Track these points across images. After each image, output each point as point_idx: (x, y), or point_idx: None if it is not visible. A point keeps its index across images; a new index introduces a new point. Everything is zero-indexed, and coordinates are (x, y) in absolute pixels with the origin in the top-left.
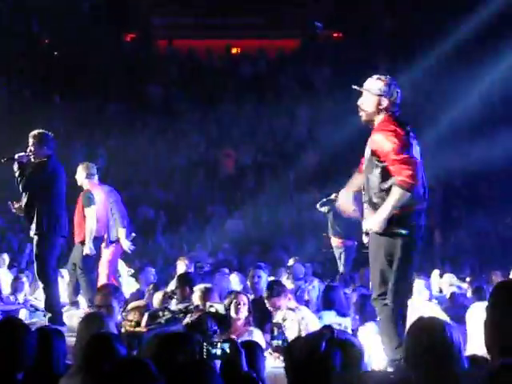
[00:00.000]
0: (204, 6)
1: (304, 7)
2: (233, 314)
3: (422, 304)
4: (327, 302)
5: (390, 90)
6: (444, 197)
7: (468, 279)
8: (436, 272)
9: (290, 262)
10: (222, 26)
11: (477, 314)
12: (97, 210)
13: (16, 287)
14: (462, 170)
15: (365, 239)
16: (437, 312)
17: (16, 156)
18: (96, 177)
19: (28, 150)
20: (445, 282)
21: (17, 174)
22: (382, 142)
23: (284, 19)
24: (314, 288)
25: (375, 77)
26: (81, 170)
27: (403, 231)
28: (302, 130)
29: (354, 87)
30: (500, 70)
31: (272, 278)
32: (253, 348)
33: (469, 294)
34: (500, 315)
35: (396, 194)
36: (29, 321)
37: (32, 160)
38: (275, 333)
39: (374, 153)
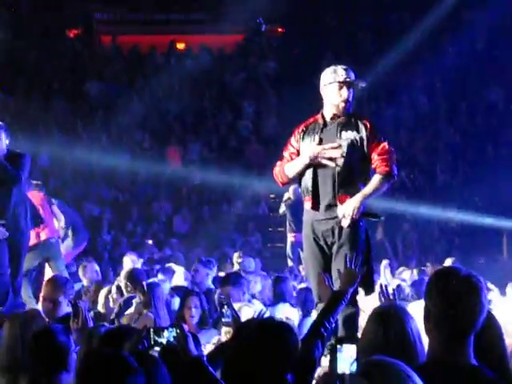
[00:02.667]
0: (148, 1)
1: (246, 3)
2: (186, 316)
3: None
4: (278, 293)
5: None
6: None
7: (415, 271)
8: (384, 262)
9: (235, 256)
10: (166, 22)
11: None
12: None
13: None
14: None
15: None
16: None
17: None
18: None
19: None
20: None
21: None
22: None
23: (227, 15)
24: (257, 283)
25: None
26: None
27: None
28: (247, 124)
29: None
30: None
31: (221, 274)
32: None
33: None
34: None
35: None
36: None
37: None
38: (224, 310)
39: None
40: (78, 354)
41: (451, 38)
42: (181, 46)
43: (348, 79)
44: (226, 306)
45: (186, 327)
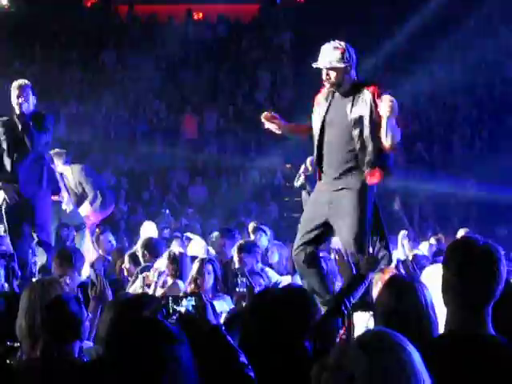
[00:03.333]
0: None
1: None
2: (200, 278)
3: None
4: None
5: (351, 56)
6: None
7: (431, 241)
8: (402, 233)
9: (250, 226)
10: None
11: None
12: None
13: None
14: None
15: None
16: None
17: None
18: None
19: (15, 105)
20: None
21: (4, 137)
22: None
23: None
24: (274, 253)
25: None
26: None
27: None
28: (263, 94)
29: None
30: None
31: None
32: None
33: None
34: (452, 274)
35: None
36: None
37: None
38: (238, 280)
39: None
40: (92, 322)
41: (469, 12)
42: (197, 15)
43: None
44: (240, 276)
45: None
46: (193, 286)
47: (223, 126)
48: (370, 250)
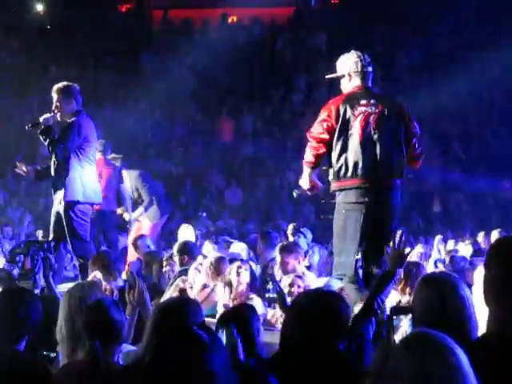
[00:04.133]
0: None
1: None
2: (234, 279)
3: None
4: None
5: (347, 64)
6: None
7: (468, 242)
8: (438, 238)
9: (289, 228)
10: None
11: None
12: None
13: None
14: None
15: None
16: None
17: (41, 119)
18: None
19: (53, 108)
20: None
21: (44, 141)
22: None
23: None
24: (314, 253)
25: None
26: None
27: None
28: (299, 96)
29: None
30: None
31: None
32: (246, 312)
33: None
34: (495, 272)
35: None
36: None
37: (58, 119)
38: (269, 286)
39: None
40: (129, 325)
41: (506, 12)
42: (232, 18)
43: None
44: (270, 282)
45: (232, 294)
46: (227, 288)
47: (259, 128)
48: (391, 244)
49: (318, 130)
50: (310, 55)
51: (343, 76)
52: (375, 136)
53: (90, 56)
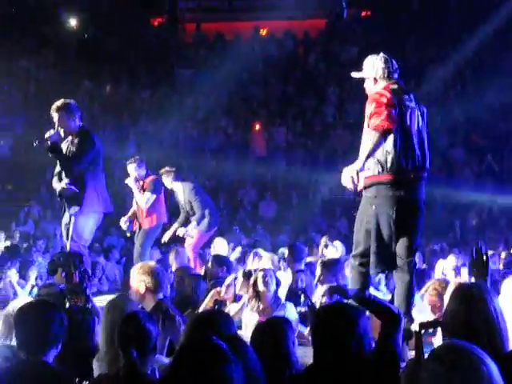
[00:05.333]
0: None
1: None
2: (261, 288)
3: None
4: None
5: (374, 68)
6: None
7: (503, 254)
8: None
9: (322, 241)
10: (250, 8)
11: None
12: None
13: None
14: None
15: None
16: None
17: (47, 135)
18: None
19: (56, 126)
20: None
21: (56, 158)
22: (368, 107)
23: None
24: (348, 266)
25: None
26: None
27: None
28: (331, 109)
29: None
30: None
31: (309, 259)
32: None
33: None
34: None
35: (373, 137)
36: None
37: (62, 135)
38: (301, 299)
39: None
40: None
41: None
42: (264, 31)
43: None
44: (302, 296)
45: (260, 304)
46: (253, 296)
47: (292, 141)
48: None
49: (393, 118)
50: (341, 68)
51: (369, 78)
52: (417, 130)
53: (123, 70)
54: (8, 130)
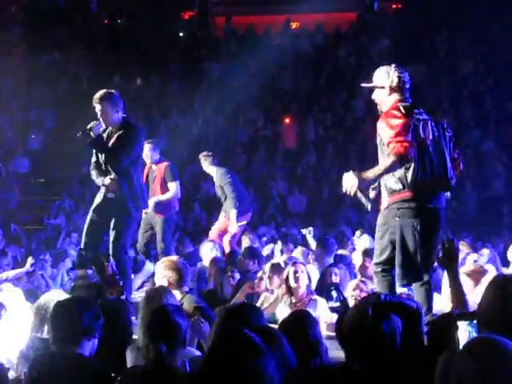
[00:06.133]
0: None
1: None
2: (292, 283)
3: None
4: None
5: (389, 78)
6: None
7: None
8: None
9: (356, 234)
10: (281, 1)
11: None
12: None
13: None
14: None
15: None
16: None
17: (89, 126)
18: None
19: (99, 116)
20: None
21: (99, 150)
22: (383, 129)
23: None
24: None
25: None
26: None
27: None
28: (362, 102)
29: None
30: None
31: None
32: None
33: None
34: None
35: (388, 161)
36: None
37: (103, 127)
38: (333, 294)
39: (380, 140)
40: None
41: None
42: (295, 24)
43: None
44: (334, 291)
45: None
46: (284, 288)
47: (322, 134)
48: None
49: (410, 143)
50: (372, 61)
51: (382, 88)
52: (432, 141)
53: (153, 64)
54: (39, 125)
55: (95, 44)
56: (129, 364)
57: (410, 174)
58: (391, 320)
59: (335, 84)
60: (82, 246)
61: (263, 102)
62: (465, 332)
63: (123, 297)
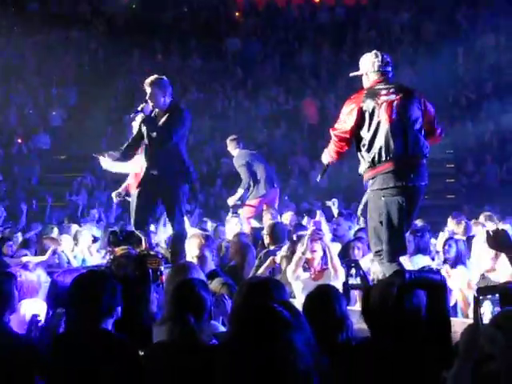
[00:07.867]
0: None
1: None
2: (308, 255)
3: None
4: (417, 246)
5: (366, 65)
6: None
7: None
8: None
9: None
10: None
11: None
12: None
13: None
14: None
15: None
16: None
17: (140, 107)
18: None
19: (148, 98)
20: None
21: (152, 130)
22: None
23: None
24: None
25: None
26: None
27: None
28: None
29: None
30: None
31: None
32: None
33: None
34: None
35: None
36: None
37: (150, 109)
38: (352, 270)
39: None
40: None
41: None
42: None
43: None
44: (354, 268)
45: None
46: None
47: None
48: None
49: (342, 127)
50: (392, 34)
51: (362, 75)
52: (401, 120)
53: (173, 40)
54: (61, 101)
55: (116, 20)
56: (156, 338)
57: (369, 154)
58: (416, 296)
59: (356, 58)
60: (133, 226)
61: (283, 77)
62: (488, 306)
63: (162, 268)
